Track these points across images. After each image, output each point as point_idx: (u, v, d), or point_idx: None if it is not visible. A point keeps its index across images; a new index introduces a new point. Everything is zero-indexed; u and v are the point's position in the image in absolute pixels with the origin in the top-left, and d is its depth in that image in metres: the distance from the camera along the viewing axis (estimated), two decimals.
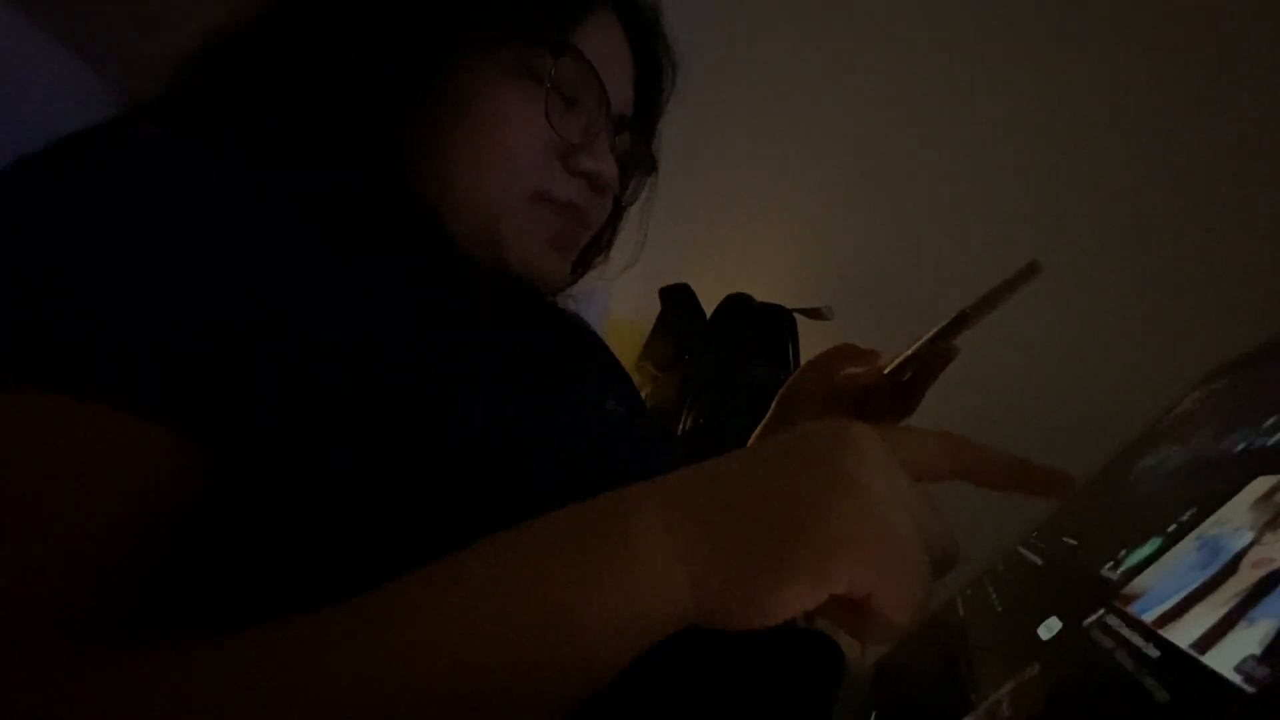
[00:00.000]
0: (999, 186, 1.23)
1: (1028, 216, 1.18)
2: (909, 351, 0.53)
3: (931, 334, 0.51)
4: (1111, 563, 0.28)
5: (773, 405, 0.64)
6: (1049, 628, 0.27)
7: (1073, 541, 0.35)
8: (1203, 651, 0.17)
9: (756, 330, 1.40)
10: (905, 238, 1.38)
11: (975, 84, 1.22)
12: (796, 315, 1.41)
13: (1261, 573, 0.18)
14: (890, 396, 0.58)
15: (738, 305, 1.44)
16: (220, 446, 0.31)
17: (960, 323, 0.48)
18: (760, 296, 1.44)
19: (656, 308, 1.55)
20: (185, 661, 0.24)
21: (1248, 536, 0.21)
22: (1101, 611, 0.24)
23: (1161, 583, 0.23)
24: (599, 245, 0.59)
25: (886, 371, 0.55)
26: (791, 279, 1.53)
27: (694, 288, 1.53)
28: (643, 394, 1.44)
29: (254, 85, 0.43)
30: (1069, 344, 1.09)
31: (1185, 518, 0.25)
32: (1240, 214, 0.92)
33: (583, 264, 0.58)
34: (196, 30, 0.46)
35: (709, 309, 1.49)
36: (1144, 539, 0.27)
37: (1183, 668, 0.18)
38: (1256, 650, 0.16)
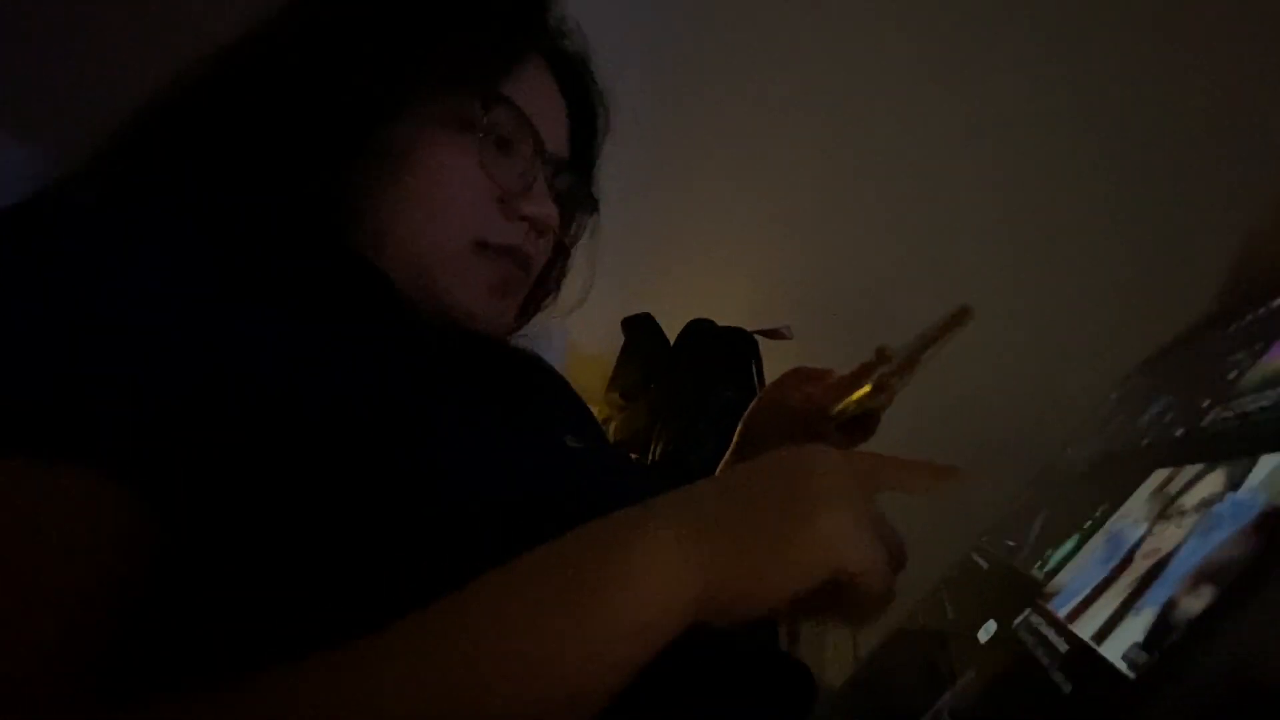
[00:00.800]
0: (949, 203, 1.27)
1: (982, 231, 1.21)
2: (842, 404, 0.54)
3: (860, 395, 0.51)
4: (1040, 562, 0.29)
5: (736, 433, 0.65)
6: (987, 630, 0.28)
7: (1012, 543, 0.36)
8: (1100, 642, 0.18)
9: (720, 354, 1.42)
10: (858, 254, 1.41)
11: (928, 103, 1.26)
12: (757, 337, 1.43)
13: (1150, 563, 0.19)
14: (846, 426, 0.59)
15: (700, 331, 1.46)
16: (174, 497, 0.31)
17: (881, 390, 0.49)
18: (721, 321, 1.46)
19: (620, 339, 1.56)
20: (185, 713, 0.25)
21: (1143, 528, 0.22)
22: (1027, 611, 0.25)
23: (1075, 578, 0.24)
24: (546, 287, 0.60)
25: (832, 413, 0.56)
26: (749, 301, 1.55)
27: (655, 316, 1.55)
28: (611, 425, 1.45)
29: (188, 148, 0.44)
30: (1027, 345, 1.12)
31: (1098, 514, 0.26)
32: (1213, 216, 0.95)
33: (531, 306, 0.59)
34: (133, 102, 0.47)
35: (671, 336, 1.50)
36: (1066, 536, 0.28)
37: (1084, 659, 0.19)
38: (1139, 638, 0.17)
